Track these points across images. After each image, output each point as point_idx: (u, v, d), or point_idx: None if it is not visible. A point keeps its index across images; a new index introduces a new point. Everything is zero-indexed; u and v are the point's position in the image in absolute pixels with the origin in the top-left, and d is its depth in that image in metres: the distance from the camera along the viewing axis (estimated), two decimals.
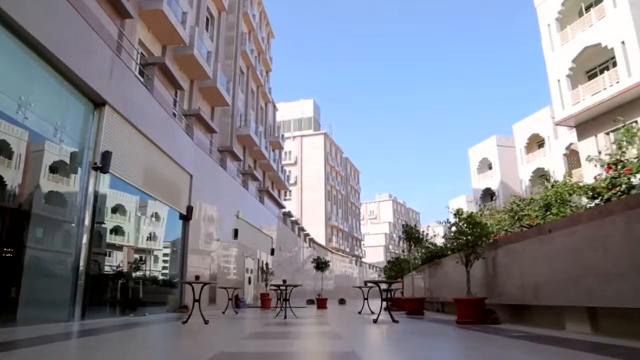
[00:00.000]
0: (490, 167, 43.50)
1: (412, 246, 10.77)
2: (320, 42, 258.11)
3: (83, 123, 8.22)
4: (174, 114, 13.45)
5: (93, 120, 8.37)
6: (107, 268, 9.41)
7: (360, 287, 11.80)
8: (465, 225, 6.77)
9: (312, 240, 41.28)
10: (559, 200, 6.42)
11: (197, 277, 8.03)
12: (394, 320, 7.32)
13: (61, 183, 7.84)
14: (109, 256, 9.57)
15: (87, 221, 7.95)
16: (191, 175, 13.28)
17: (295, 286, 9.77)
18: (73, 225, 7.82)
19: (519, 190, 37.12)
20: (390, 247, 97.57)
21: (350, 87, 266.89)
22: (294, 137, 63.55)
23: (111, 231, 9.70)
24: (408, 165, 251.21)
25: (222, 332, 6.18)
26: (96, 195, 8.28)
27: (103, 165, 8.24)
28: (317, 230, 54.00)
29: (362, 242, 78.70)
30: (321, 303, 16.06)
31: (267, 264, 20.19)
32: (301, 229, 37.95)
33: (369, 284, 12.06)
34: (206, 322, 7.38)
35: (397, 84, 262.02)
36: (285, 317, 9.17)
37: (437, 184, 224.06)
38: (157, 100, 11.10)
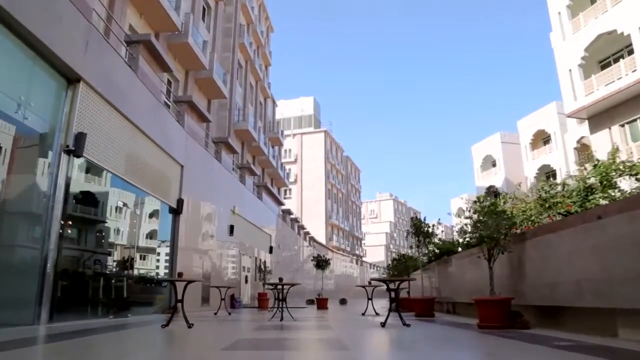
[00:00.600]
0: (494, 165, 42.54)
1: (421, 242, 9.83)
2: (321, 40, 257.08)
3: (54, 101, 7.29)
4: (167, 104, 12.49)
5: (66, 98, 7.44)
6: (84, 265, 8.46)
7: (363, 286, 10.88)
8: (487, 213, 5.84)
9: (312, 239, 40.36)
10: (605, 182, 5.48)
11: (180, 275, 7.10)
12: (404, 324, 6.39)
13: (26, 168, 6.91)
14: (87, 252, 8.63)
15: (57, 211, 7.02)
16: (182, 166, 12.35)
17: (293, 285, 8.85)
18: (41, 215, 6.89)
19: (524, 187, 36.13)
20: (391, 246, 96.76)
21: (351, 86, 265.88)
22: (294, 134, 62.66)
23: (89, 223, 8.77)
24: (409, 165, 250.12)
25: (203, 338, 5.25)
26: (68, 182, 7.34)
27: (76, 148, 7.30)
28: (317, 229, 53.11)
29: (363, 242, 77.78)
30: (321, 303, 15.14)
31: (264, 262, 19.28)
32: (301, 227, 37.03)
33: (373, 283, 11.17)
34: (190, 326, 6.47)
35: (398, 82, 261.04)
36: (281, 319, 8.24)
37: (438, 184, 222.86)
38: (143, 83, 10.16)
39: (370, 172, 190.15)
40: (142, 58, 10.46)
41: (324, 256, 16.45)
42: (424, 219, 10.01)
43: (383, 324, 6.44)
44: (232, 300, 16.13)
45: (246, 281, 18.03)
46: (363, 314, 10.26)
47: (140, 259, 10.96)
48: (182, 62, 18.82)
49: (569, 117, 21.32)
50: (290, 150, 61.23)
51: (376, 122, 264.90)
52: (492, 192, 43.09)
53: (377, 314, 10.33)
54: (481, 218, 5.83)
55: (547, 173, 36.56)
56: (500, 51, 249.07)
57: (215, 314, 10.65)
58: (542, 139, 37.28)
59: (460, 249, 10.60)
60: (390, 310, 6.52)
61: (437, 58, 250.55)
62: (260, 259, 20.62)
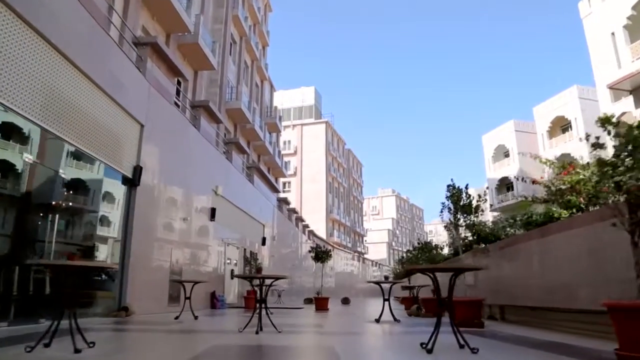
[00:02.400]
0: (506, 155, 39.64)
1: (461, 219, 7.01)
2: (324, 35, 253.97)
3: None
4: (137, 55, 9.61)
5: None
6: None
7: (378, 283, 8.02)
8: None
9: (311, 233, 37.52)
10: None
11: (73, 257, 4.33)
12: (463, 345, 3.59)
13: None
14: None
15: None
16: (142, 126, 9.55)
17: (277, 278, 6.06)
18: None
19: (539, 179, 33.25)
20: (394, 244, 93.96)
21: (352, 82, 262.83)
22: (294, 125, 59.91)
23: None
24: (411, 163, 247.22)
25: None
26: None
27: None
28: (317, 223, 50.35)
29: (365, 238, 74.99)
30: (321, 303, 12.36)
31: (253, 254, 16.50)
32: (299, 219, 34.19)
33: (388, 281, 8.34)
34: (77, 351, 3.66)
35: (401, 77, 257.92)
36: (258, 330, 5.45)
37: (440, 182, 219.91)
38: (81, 3, 7.34)
39: (372, 169, 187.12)
40: None
41: (323, 247, 13.64)
42: (466, 187, 7.18)
43: (429, 349, 3.63)
44: (213, 298, 13.34)
45: (232, 276, 15.23)
46: (377, 321, 7.45)
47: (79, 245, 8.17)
48: (161, 20, 16.01)
49: (611, 88, 18.39)
50: (289, 141, 58.52)
51: (376, 120, 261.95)
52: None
53: (396, 320, 7.53)
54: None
55: (568, 162, 33.65)
56: (507, 44, 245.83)
57: (177, 317, 7.85)
58: (560, 126, 34.40)
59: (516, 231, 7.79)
60: (438, 323, 3.67)
61: (441, 52, 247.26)
62: (253, 252, 17.81)
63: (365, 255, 69.16)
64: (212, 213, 13.51)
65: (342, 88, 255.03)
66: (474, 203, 6.94)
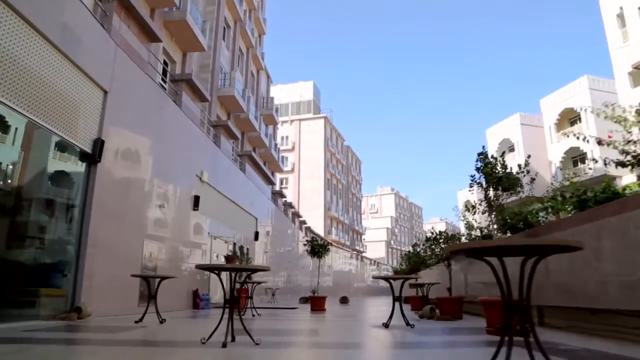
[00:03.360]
0: (512, 150, 38.18)
1: (495, 196, 5.50)
2: (321, 34, 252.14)
3: None
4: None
5: None
6: None
7: (386, 279, 6.50)
8: None
9: (309, 230, 36.02)
10: None
11: None
12: None
13: None
14: None
15: None
16: (105, 92, 8.05)
17: (254, 270, 4.59)
18: None
19: (547, 174, 31.83)
20: (392, 242, 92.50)
21: (351, 82, 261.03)
22: (292, 121, 58.42)
23: None
24: (410, 162, 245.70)
25: None
26: None
27: None
28: (315, 220, 48.86)
29: (363, 237, 73.52)
30: (317, 303, 10.90)
31: (243, 248, 14.98)
32: (296, 215, 32.69)
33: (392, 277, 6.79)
34: None
35: (401, 76, 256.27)
36: (227, 341, 3.95)
37: (439, 182, 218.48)
38: None
39: (370, 170, 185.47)
40: None
41: (320, 240, 12.16)
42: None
43: None
44: (195, 297, 11.86)
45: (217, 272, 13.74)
46: (386, 326, 5.97)
47: (15, 229, 6.67)
48: None
49: (636, 68, 16.91)
50: (287, 137, 57.04)
51: (375, 119, 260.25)
52: None
53: (409, 324, 6.06)
54: None
55: (575, 157, 32.35)
56: (509, 41, 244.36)
57: (139, 321, 6.37)
58: (569, 119, 32.96)
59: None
60: (509, 342, 2.20)
61: (443, 44, 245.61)
62: (242, 247, 16.29)
63: (364, 254, 67.71)
64: (196, 201, 12.02)
65: (342, 87, 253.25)
66: (513, 173, 5.42)
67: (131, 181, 8.96)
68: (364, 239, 74.17)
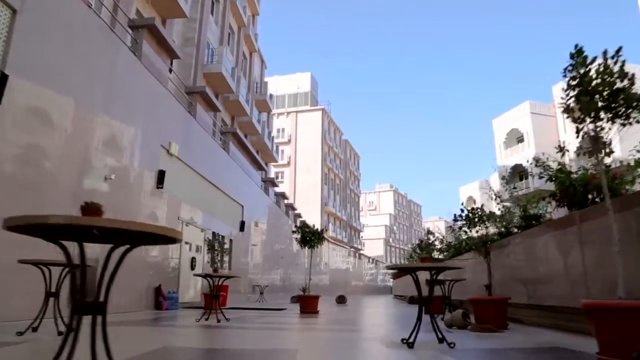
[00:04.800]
0: (520, 140, 35.96)
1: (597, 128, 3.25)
2: (321, 32, 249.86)
3: None
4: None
5: None
6: None
7: (410, 269, 4.17)
8: None
9: (298, 216, 33.67)
10: None
11: None
12: None
13: None
14: None
15: None
16: (13, 11, 5.76)
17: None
18: None
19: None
20: (391, 240, 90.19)
21: (351, 81, 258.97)
22: (288, 112, 56.14)
23: None
24: (409, 159, 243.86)
25: None
26: None
27: None
28: (311, 215, 46.55)
29: (361, 234, 71.29)
30: (307, 304, 8.67)
31: (222, 239, 12.75)
32: (290, 207, 30.40)
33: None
34: None
35: (401, 74, 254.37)
36: None
37: (438, 180, 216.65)
38: None
39: (369, 168, 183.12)
40: None
41: (313, 226, 9.91)
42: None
43: None
44: (158, 295, 9.59)
45: (192, 266, 11.48)
46: (410, 345, 3.70)
47: None
48: None
49: None
50: (283, 129, 54.75)
51: (374, 116, 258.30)
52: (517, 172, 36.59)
53: (444, 341, 3.80)
54: None
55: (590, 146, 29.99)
56: (512, 37, 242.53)
57: (22, 333, 4.10)
58: None
59: None
60: None
61: (440, 48, 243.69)
62: (224, 237, 14.02)
63: (362, 252, 65.51)
64: (160, 177, 9.74)
65: (342, 86, 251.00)
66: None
67: (55, 139, 6.66)
68: (362, 237, 71.99)
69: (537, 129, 33.65)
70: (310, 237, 9.25)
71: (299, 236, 9.49)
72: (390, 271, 43.65)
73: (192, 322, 6.36)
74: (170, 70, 12.02)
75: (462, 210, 6.17)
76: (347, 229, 61.60)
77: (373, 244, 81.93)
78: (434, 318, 3.99)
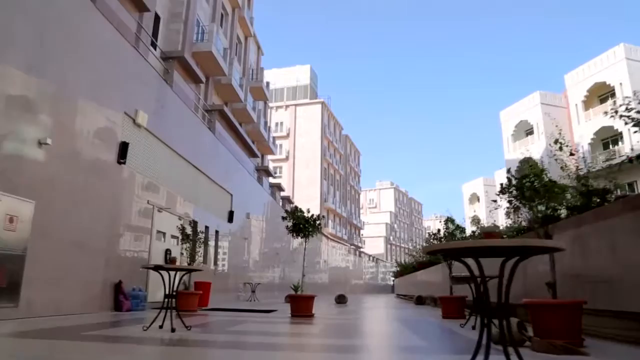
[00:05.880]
0: (530, 133, 34.18)
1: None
2: (321, 31, 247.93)
3: None
4: None
5: None
6: None
7: (466, 250, 2.42)
8: None
9: (287, 200, 31.84)
10: None
11: None
12: None
13: None
14: None
15: None
16: None
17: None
18: None
19: (572, 158, 27.83)
20: (391, 238, 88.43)
21: (350, 80, 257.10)
22: (287, 106, 54.33)
23: None
24: (410, 158, 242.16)
25: None
26: None
27: None
28: (310, 212, 44.84)
29: (362, 232, 69.56)
30: (300, 306, 6.95)
31: (209, 229, 11.03)
32: (287, 200, 28.62)
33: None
34: None
35: (401, 74, 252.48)
36: None
37: (439, 179, 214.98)
38: None
39: (369, 167, 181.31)
40: None
41: (307, 212, 8.16)
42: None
43: None
44: (117, 294, 7.84)
45: (167, 259, 9.72)
46: None
47: None
48: None
49: None
50: (282, 123, 52.98)
51: (374, 114, 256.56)
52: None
53: None
54: None
55: (606, 139, 28.42)
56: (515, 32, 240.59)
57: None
58: (599, 95, 28.97)
59: None
60: None
61: (441, 45, 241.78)
62: (207, 226, 12.27)
63: (362, 249, 63.82)
64: (122, 151, 7.98)
65: (341, 86, 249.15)
66: None
67: None
68: (362, 234, 70.28)
69: (548, 120, 31.87)
70: (303, 225, 7.48)
71: (290, 224, 7.74)
72: (394, 269, 41.88)
73: (137, 331, 4.61)
74: (140, 27, 10.24)
75: (510, 180, 4.41)
76: (347, 226, 59.88)
77: (373, 242, 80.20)
78: (504, 327, 2.24)
